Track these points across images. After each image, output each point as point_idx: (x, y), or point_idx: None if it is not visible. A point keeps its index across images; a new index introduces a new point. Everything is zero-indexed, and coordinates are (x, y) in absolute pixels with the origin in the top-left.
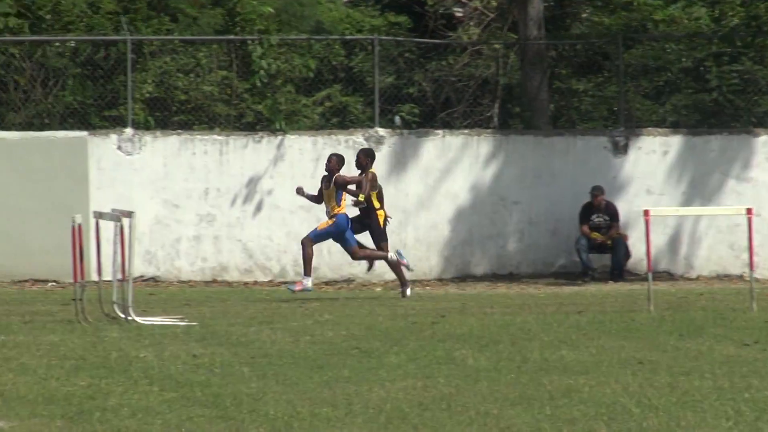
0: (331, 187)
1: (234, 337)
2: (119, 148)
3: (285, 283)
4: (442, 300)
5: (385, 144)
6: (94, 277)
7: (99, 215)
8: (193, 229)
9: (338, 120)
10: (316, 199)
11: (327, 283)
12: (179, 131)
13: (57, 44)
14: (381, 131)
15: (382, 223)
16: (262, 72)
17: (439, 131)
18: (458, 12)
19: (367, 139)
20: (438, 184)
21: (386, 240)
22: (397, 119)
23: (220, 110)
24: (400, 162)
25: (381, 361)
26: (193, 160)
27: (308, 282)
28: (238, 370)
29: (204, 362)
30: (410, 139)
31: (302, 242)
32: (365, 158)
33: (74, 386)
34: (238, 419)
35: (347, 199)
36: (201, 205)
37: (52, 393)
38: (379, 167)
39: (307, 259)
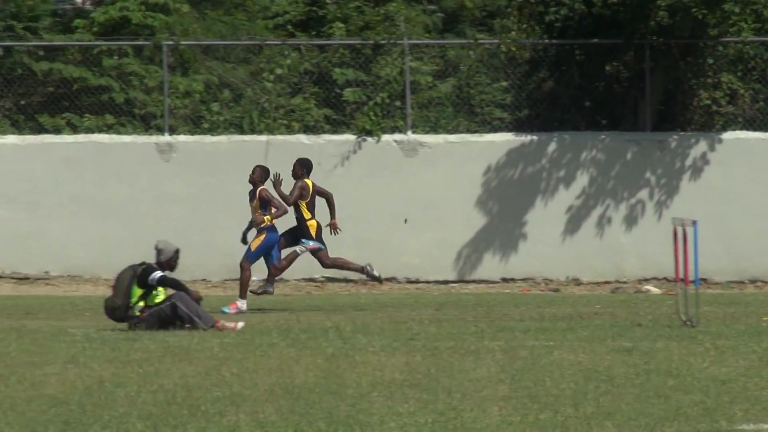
0: (256, 201)
1: None
2: None
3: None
4: None
5: None
6: None
7: None
8: None
9: None
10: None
11: None
12: None
13: None
14: None
15: (314, 233)
16: None
17: None
18: None
19: None
20: None
21: (324, 249)
22: None
23: None
24: None
25: None
26: None
27: (243, 305)
28: None
29: None
30: None
31: (240, 265)
32: (300, 168)
33: None
34: None
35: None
36: None
37: None
38: None
39: (245, 282)
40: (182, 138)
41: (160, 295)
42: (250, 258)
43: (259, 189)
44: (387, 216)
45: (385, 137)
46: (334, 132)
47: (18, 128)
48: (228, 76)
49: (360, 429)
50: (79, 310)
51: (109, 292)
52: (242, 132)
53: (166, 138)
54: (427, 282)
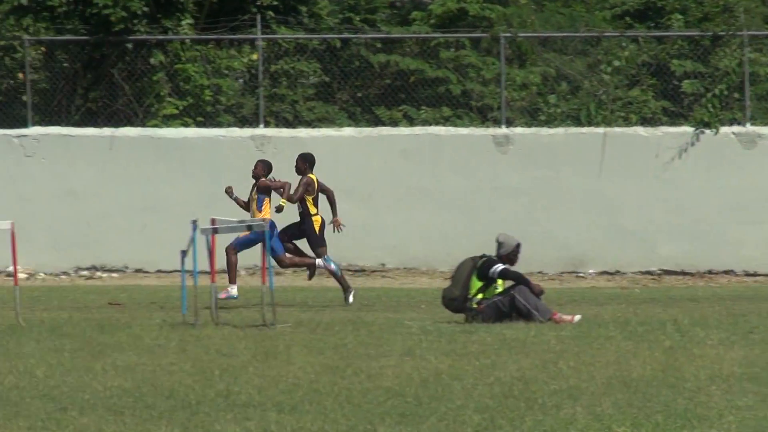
0: (253, 192)
1: None
2: None
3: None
4: None
5: None
6: None
7: None
8: None
9: None
10: (245, 205)
11: None
12: None
13: None
14: None
15: (318, 229)
16: None
17: None
18: None
19: None
20: None
21: (323, 245)
22: None
23: None
24: None
25: None
26: None
27: (233, 290)
28: None
29: None
30: None
31: (226, 250)
32: (303, 163)
33: None
34: None
35: (270, 205)
36: None
37: None
38: None
39: (231, 266)
40: (519, 130)
41: (499, 287)
42: (236, 245)
43: (260, 180)
44: (725, 208)
45: (724, 129)
46: (672, 124)
47: (355, 120)
48: (565, 68)
49: (698, 423)
50: (415, 303)
51: (444, 285)
52: (579, 124)
53: (503, 130)
54: (766, 275)
